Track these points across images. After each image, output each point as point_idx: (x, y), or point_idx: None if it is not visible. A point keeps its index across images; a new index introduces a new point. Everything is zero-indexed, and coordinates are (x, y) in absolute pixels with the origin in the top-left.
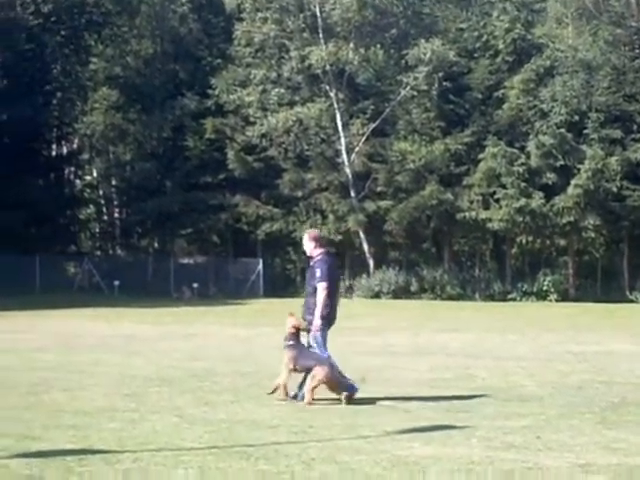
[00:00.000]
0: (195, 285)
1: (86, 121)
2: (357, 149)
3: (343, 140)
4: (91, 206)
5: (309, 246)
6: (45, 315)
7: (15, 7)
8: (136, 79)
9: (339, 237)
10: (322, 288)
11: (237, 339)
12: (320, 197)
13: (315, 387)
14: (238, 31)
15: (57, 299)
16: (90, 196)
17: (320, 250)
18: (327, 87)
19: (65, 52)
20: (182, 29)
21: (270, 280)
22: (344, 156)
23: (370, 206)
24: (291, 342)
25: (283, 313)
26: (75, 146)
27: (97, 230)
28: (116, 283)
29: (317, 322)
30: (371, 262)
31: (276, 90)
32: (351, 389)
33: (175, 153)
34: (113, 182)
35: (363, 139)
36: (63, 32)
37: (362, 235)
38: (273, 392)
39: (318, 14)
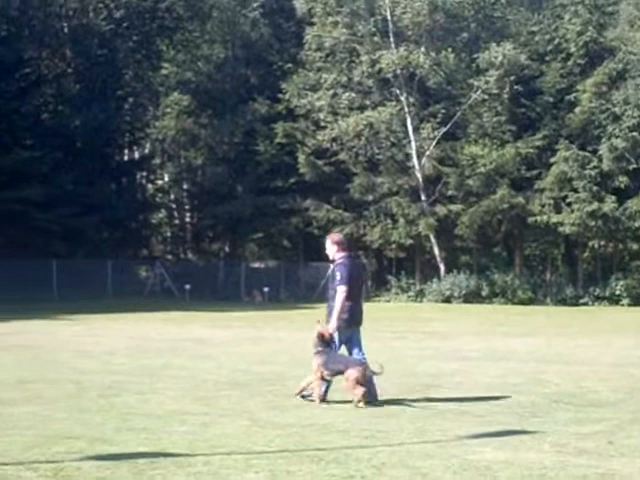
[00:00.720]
0: (266, 289)
1: (158, 126)
2: (428, 153)
3: (414, 144)
4: (163, 210)
5: (332, 250)
6: (117, 318)
7: (88, 13)
8: (207, 84)
9: (410, 241)
10: (341, 291)
11: (307, 343)
12: (390, 201)
13: (355, 388)
14: (309, 35)
15: (128, 303)
16: (162, 200)
17: (342, 254)
18: (398, 91)
19: (137, 57)
20: (253, 34)
21: None
22: (414, 160)
23: (441, 210)
24: (319, 348)
25: None
26: (147, 151)
27: (168, 234)
28: (187, 287)
29: (333, 324)
30: (442, 266)
31: (347, 94)
32: (375, 394)
33: (246, 157)
34: (184, 186)
35: (434, 143)
36: (135, 37)
37: (433, 239)
38: (299, 394)
39: (389, 18)
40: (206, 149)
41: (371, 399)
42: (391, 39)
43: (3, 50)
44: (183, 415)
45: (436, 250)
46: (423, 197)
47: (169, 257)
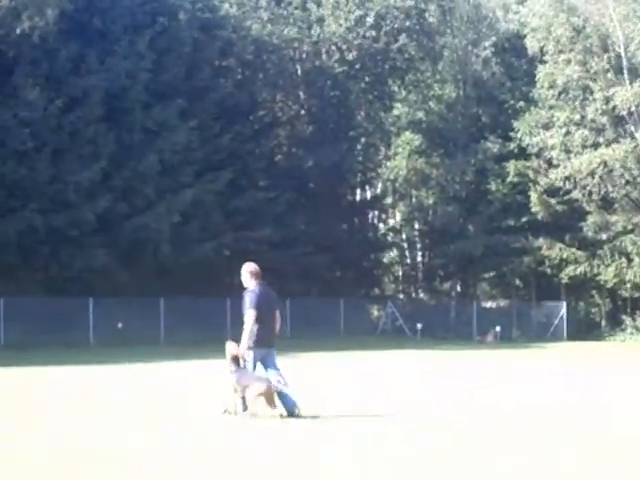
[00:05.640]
0: (498, 328)
1: (389, 166)
2: None
3: None
4: (394, 250)
5: (245, 278)
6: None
7: (321, 56)
8: (439, 123)
9: None
10: (248, 315)
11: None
12: (625, 239)
13: (256, 399)
14: (541, 73)
15: (361, 342)
16: (393, 240)
17: (255, 282)
18: (633, 128)
19: (369, 98)
20: (485, 73)
21: (574, 323)
22: None
23: None
24: (233, 368)
25: (586, 356)
26: (379, 190)
27: (400, 273)
28: (419, 326)
29: (243, 346)
30: None
31: (580, 132)
32: (292, 406)
33: (477, 196)
34: (416, 226)
35: None
36: (367, 78)
37: None
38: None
39: (623, 54)
40: (437, 188)
41: (289, 411)
42: (625, 75)
43: (238, 93)
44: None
45: None
46: None
47: (401, 296)
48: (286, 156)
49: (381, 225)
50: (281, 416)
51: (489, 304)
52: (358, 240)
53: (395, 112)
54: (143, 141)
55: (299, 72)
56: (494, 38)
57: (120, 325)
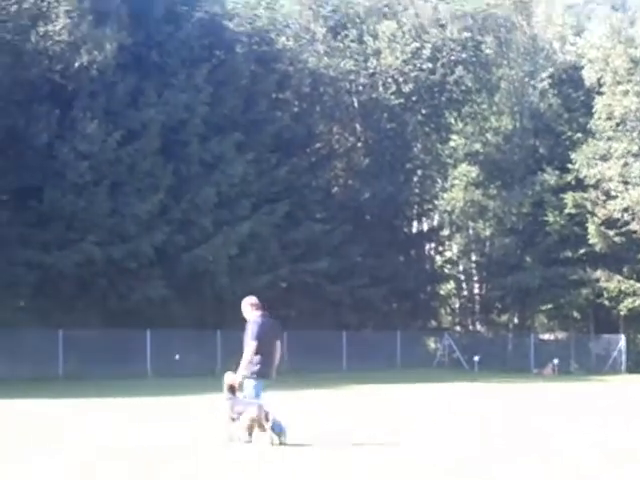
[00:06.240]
0: (555, 361)
1: (446, 197)
2: None
3: None
4: (451, 281)
5: (247, 310)
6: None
7: (377, 88)
8: (496, 155)
9: None
10: (248, 346)
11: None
12: None
13: (249, 425)
14: (598, 104)
15: (418, 374)
16: (450, 272)
17: (257, 312)
18: None
19: (425, 130)
20: (542, 104)
21: (633, 356)
22: None
23: None
24: (229, 396)
25: None
26: (435, 222)
27: (457, 305)
28: (476, 359)
29: (239, 375)
30: None
31: (638, 163)
32: (279, 430)
33: (535, 228)
34: (473, 257)
35: None
36: (424, 110)
37: None
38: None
39: None
40: (495, 220)
41: (279, 434)
42: None
43: (295, 126)
44: None
45: None
46: None
47: (457, 328)
48: (342, 188)
49: (438, 257)
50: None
51: (547, 336)
52: (415, 272)
53: (452, 144)
54: (200, 174)
55: (355, 104)
56: (551, 69)
57: (177, 357)
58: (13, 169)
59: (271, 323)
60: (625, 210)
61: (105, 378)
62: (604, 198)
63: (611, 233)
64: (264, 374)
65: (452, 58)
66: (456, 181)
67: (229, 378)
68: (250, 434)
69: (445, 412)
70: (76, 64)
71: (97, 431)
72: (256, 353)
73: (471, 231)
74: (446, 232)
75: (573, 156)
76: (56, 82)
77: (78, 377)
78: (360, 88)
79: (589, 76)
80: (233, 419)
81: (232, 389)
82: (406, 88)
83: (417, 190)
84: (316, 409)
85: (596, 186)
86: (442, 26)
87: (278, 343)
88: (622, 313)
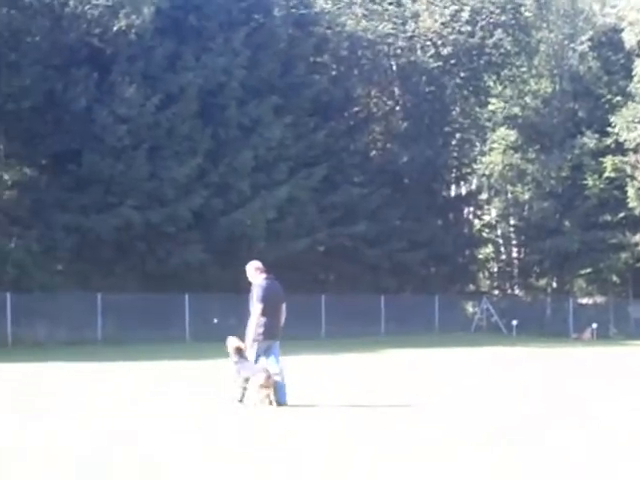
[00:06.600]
0: (594, 326)
1: (485, 161)
2: None
3: None
4: (489, 246)
5: (253, 274)
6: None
7: (416, 51)
8: (534, 118)
9: None
10: (255, 309)
11: None
12: None
13: (259, 391)
14: (638, 67)
15: (455, 338)
16: (488, 236)
17: (262, 276)
18: None
19: (464, 93)
20: (581, 67)
21: None
22: None
23: None
24: (235, 359)
25: None
26: (474, 186)
27: (495, 270)
28: (514, 323)
29: (249, 339)
30: None
31: None
32: (283, 397)
33: (574, 192)
34: (511, 222)
35: None
36: (462, 74)
37: None
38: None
39: None
40: (533, 184)
41: (281, 402)
42: None
43: (333, 89)
44: None
45: None
46: None
47: (496, 292)
48: (381, 152)
49: (476, 221)
50: (273, 404)
51: (585, 301)
52: (453, 236)
53: (490, 107)
54: (238, 137)
55: (394, 67)
56: (591, 32)
57: (216, 321)
58: (52, 133)
59: (276, 286)
60: None
61: (143, 342)
62: None
63: None
64: (270, 335)
65: (491, 21)
66: (495, 145)
67: (234, 341)
68: (257, 399)
69: (482, 377)
70: (114, 28)
71: (128, 395)
72: (262, 315)
73: (510, 195)
74: (484, 196)
75: (612, 119)
76: (94, 46)
77: (116, 341)
78: (398, 51)
79: (629, 39)
80: (241, 382)
81: (239, 352)
82: (445, 51)
83: (455, 154)
84: (349, 373)
85: (636, 150)
86: None
87: (284, 305)
88: None
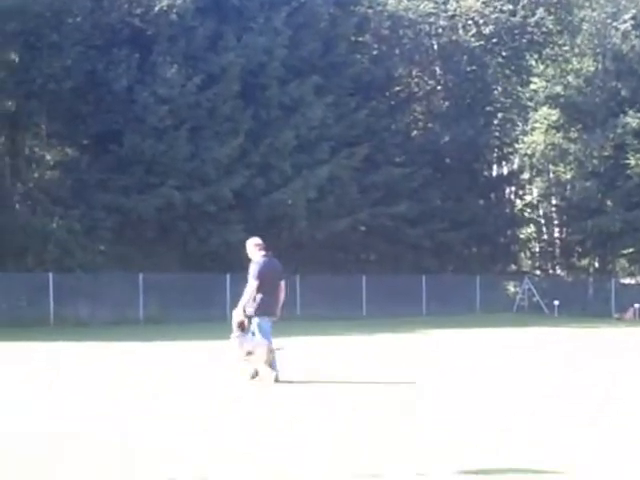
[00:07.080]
0: (637, 306)
1: (526, 141)
2: None
3: None
4: (531, 225)
5: (252, 251)
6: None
7: (457, 30)
8: (577, 98)
9: None
10: (249, 285)
11: None
12: None
13: (261, 364)
14: None
15: (497, 318)
16: (530, 216)
17: (261, 253)
18: None
19: (506, 72)
20: (624, 46)
21: None
22: None
23: None
24: (237, 333)
25: None
26: (515, 166)
27: (537, 250)
28: (556, 303)
29: (239, 312)
30: None
31: None
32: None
33: (616, 171)
34: (553, 201)
35: None
36: (504, 53)
37: None
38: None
39: None
40: (575, 163)
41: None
42: None
43: (374, 69)
44: None
45: None
46: None
47: (537, 272)
48: (422, 131)
49: (518, 201)
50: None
51: (628, 281)
52: (494, 216)
53: (532, 86)
54: (279, 117)
55: (435, 47)
56: (634, 10)
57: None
58: (93, 114)
59: (274, 263)
60: None
61: (185, 322)
62: None
63: None
64: (268, 312)
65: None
66: (537, 124)
67: (239, 316)
68: (259, 373)
69: (523, 356)
70: (156, 8)
71: (179, 371)
72: (259, 292)
73: (551, 174)
74: (526, 176)
75: None
76: (136, 26)
77: (158, 321)
78: (440, 30)
79: None
80: (244, 355)
81: (242, 326)
82: (486, 30)
83: (497, 133)
84: (385, 353)
85: None
86: None
87: (282, 283)
88: None
